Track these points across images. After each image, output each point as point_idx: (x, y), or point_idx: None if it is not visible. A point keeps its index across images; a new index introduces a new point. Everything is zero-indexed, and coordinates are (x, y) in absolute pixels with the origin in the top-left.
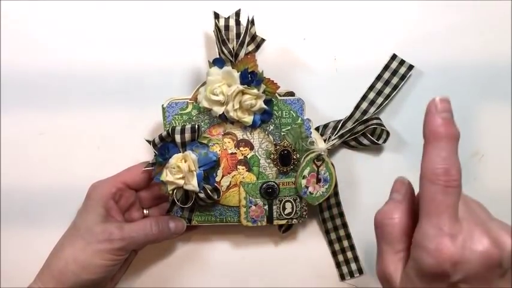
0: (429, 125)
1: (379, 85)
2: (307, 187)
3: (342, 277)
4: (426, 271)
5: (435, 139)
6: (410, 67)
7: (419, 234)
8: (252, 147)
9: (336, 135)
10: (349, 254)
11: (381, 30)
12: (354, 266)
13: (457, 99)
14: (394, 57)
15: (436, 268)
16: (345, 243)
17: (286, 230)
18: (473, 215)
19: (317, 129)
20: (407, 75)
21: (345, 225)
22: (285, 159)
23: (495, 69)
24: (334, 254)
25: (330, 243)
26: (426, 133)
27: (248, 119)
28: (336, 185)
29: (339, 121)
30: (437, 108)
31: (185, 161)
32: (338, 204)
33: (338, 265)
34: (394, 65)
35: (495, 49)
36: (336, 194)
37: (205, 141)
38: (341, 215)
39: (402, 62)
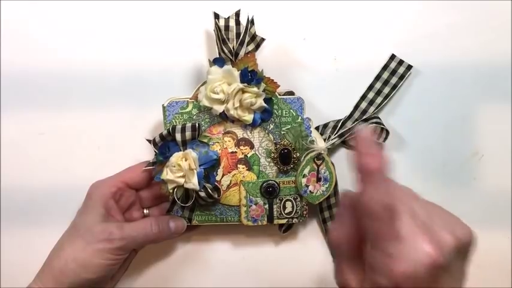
0: (359, 162)
1: (378, 85)
2: (307, 186)
3: None
4: None
5: (367, 175)
6: (409, 67)
7: (369, 258)
8: (252, 146)
9: (336, 135)
10: None
11: (381, 30)
12: None
13: (457, 99)
14: (392, 57)
15: (391, 286)
16: None
17: (287, 230)
18: (417, 220)
19: (317, 128)
20: (406, 75)
21: None
22: (285, 158)
23: (495, 69)
24: None
25: None
26: (358, 169)
27: (248, 117)
28: (336, 184)
29: (338, 121)
30: (363, 145)
31: (186, 160)
32: (338, 203)
33: None
34: (393, 65)
35: (495, 49)
36: (336, 193)
37: (205, 140)
38: None
39: (401, 62)
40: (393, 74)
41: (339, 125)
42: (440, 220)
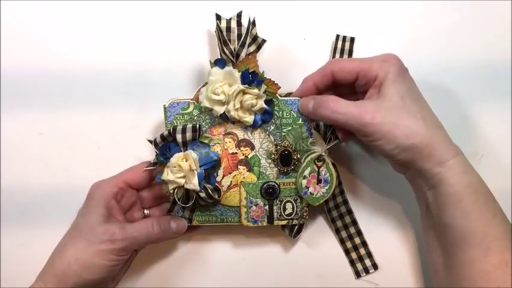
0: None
1: None
2: (307, 187)
3: (358, 274)
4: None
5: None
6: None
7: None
8: (252, 147)
9: (337, 136)
10: (362, 251)
11: (381, 30)
12: (368, 262)
13: (457, 99)
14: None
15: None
16: (357, 240)
17: (297, 234)
18: None
19: (318, 130)
20: None
21: (354, 222)
22: (285, 160)
23: (495, 69)
24: (346, 252)
25: (342, 241)
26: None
27: (249, 118)
28: (340, 183)
29: None
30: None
31: (186, 160)
32: (345, 202)
33: (352, 263)
34: None
35: (495, 49)
36: (342, 192)
37: (206, 141)
38: (349, 212)
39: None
40: None
41: None
42: None
